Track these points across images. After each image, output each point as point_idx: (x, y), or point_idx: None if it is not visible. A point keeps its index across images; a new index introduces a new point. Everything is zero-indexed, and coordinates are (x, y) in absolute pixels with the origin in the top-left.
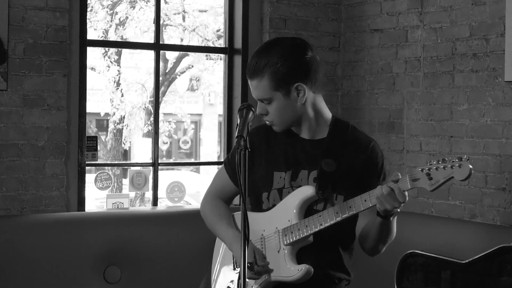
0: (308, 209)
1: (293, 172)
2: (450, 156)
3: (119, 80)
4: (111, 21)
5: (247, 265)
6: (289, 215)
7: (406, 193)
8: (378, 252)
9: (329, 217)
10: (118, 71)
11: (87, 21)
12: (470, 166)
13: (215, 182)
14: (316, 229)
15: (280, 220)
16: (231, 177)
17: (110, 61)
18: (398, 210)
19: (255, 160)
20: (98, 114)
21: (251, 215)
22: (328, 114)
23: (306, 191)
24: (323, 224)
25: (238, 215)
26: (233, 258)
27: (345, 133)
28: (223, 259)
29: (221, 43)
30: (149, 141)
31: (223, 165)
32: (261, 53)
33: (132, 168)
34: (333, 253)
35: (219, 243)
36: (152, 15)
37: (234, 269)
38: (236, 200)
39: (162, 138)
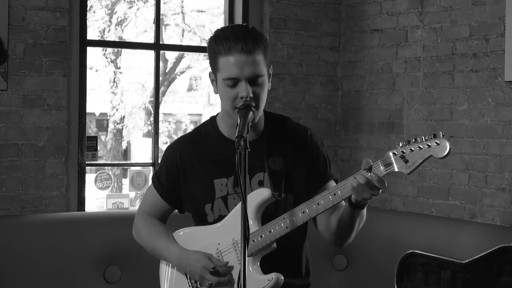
0: None
1: (235, 178)
2: (422, 136)
3: (115, 79)
4: (109, 21)
5: (211, 271)
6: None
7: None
8: (349, 242)
9: (295, 218)
10: (114, 72)
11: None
12: (448, 143)
13: (145, 201)
14: (282, 234)
15: (236, 231)
16: (160, 193)
17: (108, 61)
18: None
19: (188, 174)
20: (98, 114)
21: (199, 230)
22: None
23: (262, 194)
24: (289, 227)
25: (176, 235)
26: (186, 278)
27: (282, 127)
28: (173, 284)
29: None
30: (149, 141)
31: (151, 182)
32: (247, 27)
33: (132, 168)
34: (293, 258)
35: (163, 268)
36: (150, 15)
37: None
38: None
39: (162, 138)
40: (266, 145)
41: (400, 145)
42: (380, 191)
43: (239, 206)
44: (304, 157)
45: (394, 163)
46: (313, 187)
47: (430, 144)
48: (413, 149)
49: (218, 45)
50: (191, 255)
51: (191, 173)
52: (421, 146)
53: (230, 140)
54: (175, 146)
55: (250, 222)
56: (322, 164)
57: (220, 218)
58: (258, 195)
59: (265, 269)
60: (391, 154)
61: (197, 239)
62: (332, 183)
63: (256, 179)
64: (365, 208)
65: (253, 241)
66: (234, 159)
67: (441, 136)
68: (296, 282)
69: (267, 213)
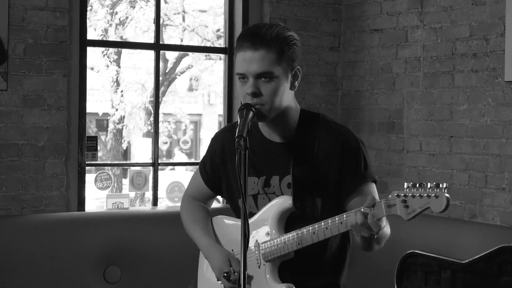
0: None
1: (266, 178)
2: (430, 181)
3: (117, 79)
4: (111, 21)
5: (224, 275)
6: (268, 228)
7: (384, 218)
8: (376, 249)
9: (306, 238)
10: (117, 71)
11: (87, 20)
12: (447, 195)
13: (192, 183)
14: (294, 249)
15: (260, 233)
16: (204, 180)
17: (109, 61)
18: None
19: (227, 164)
20: (98, 114)
21: (232, 223)
22: (297, 110)
23: (283, 203)
24: (301, 244)
25: (216, 220)
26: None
27: (315, 128)
28: (208, 267)
29: (221, 43)
30: (149, 141)
31: (198, 166)
32: (267, 26)
33: (132, 168)
34: (317, 264)
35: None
36: (151, 15)
37: (218, 279)
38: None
39: (162, 138)
40: (295, 149)
41: (406, 186)
42: (380, 231)
43: (266, 207)
44: (335, 160)
45: (397, 206)
46: (345, 191)
47: (430, 195)
48: (415, 195)
49: (236, 42)
50: (215, 253)
51: (230, 164)
52: (422, 195)
53: (266, 139)
54: (220, 135)
55: (273, 231)
56: (354, 167)
57: (250, 215)
58: (280, 204)
59: (286, 272)
60: (395, 195)
61: (228, 233)
62: (367, 186)
63: (286, 182)
64: (382, 232)
65: (271, 249)
66: (267, 160)
67: (443, 189)
68: (318, 283)
69: (295, 216)
